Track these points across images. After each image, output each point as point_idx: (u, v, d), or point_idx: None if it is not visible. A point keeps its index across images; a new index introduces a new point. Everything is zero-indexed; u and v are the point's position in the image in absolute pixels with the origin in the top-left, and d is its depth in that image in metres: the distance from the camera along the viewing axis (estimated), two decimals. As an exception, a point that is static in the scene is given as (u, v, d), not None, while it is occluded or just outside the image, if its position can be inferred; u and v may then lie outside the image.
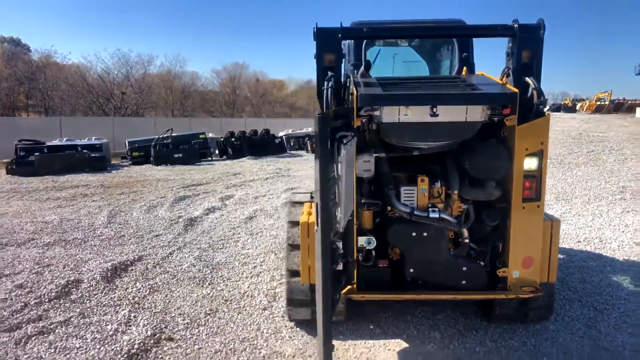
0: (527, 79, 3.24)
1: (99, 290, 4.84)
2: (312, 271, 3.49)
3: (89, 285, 4.94)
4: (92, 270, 5.37)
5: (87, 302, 4.57)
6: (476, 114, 3.14)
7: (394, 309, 4.21)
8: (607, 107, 46.58)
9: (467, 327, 3.95)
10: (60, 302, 4.55)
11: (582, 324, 4.01)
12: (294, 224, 4.04)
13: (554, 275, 3.44)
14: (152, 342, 3.78)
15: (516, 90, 3.13)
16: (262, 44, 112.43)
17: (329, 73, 3.37)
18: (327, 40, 3.37)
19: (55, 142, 17.42)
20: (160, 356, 3.61)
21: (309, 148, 20.25)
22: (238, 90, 73.44)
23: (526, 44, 3.28)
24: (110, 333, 3.92)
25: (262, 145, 19.57)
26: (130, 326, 4.05)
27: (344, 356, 3.60)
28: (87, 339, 3.85)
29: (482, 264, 3.41)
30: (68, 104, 42.06)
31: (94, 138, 18.63)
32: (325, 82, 3.34)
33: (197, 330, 4.00)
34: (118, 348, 3.66)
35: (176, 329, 4.01)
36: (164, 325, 4.06)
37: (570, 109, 49.05)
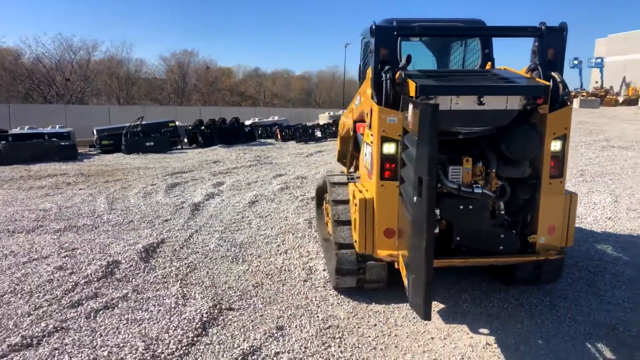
0: (553, 73, 3.80)
1: (140, 269, 5.07)
2: (368, 241, 3.94)
3: (128, 265, 5.15)
4: (123, 253, 5.57)
5: (134, 280, 4.80)
6: (514, 103, 3.68)
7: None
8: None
9: (490, 290, 4.54)
10: (108, 280, 4.77)
11: (584, 284, 4.69)
12: (338, 202, 4.47)
13: (571, 241, 4.06)
14: (216, 311, 4.12)
15: (548, 83, 3.69)
16: (212, 31, 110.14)
17: (386, 66, 3.80)
18: (383, 37, 3.79)
19: (17, 130, 16.78)
20: (228, 323, 3.95)
21: (279, 136, 20.52)
22: (187, 77, 72.05)
23: (552, 43, 3.84)
24: (173, 305, 4.22)
25: (233, 134, 19.64)
26: (188, 299, 4.36)
27: (392, 316, 4.08)
28: (152, 311, 4.13)
29: (514, 232, 3.98)
30: (5, 90, 39.83)
31: (57, 126, 18.03)
32: (384, 74, 3.77)
33: (251, 301, 4.36)
34: (189, 317, 3.97)
35: (232, 300, 4.36)
36: (219, 298, 4.39)
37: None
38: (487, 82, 3.80)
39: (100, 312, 4.10)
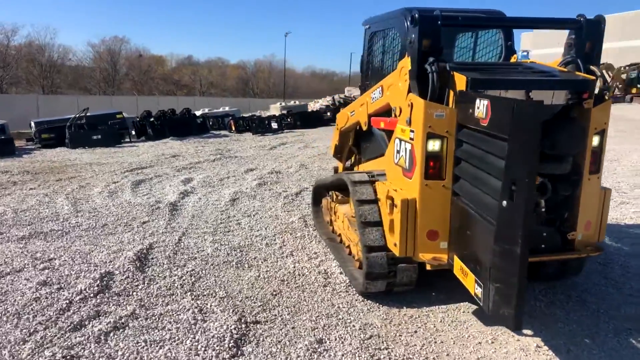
0: (593, 67, 3.73)
1: (138, 280, 4.56)
2: (410, 244, 3.71)
3: (124, 277, 4.62)
4: (111, 262, 5.01)
5: (135, 293, 4.30)
6: (560, 97, 3.57)
7: (447, 277, 4.59)
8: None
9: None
10: (107, 295, 4.24)
11: (599, 276, 4.74)
12: (364, 202, 4.20)
13: (603, 235, 4.04)
14: (243, 326, 3.74)
15: (593, 78, 3.61)
16: (143, 18, 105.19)
17: (430, 58, 3.57)
18: (428, 27, 3.55)
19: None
20: (261, 338, 3.60)
21: (234, 128, 19.83)
22: (118, 66, 68.81)
23: (590, 36, 3.76)
24: (191, 321, 3.80)
25: (185, 126, 18.75)
26: (206, 313, 3.94)
27: (429, 321, 3.89)
28: (170, 329, 3.69)
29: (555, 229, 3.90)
30: None
31: (-12, 118, 16.39)
32: (429, 67, 3.54)
33: (276, 311, 4.02)
34: (218, 335, 3.57)
35: (255, 312, 4.00)
36: (240, 310, 4.01)
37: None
38: (535, 77, 3.66)
39: (111, 334, 3.60)
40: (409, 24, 3.68)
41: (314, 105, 28.63)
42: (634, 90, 32.00)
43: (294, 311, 4.04)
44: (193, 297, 4.25)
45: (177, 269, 4.89)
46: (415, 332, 3.75)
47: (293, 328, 3.76)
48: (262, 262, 5.09)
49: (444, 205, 3.59)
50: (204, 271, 4.84)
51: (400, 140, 3.91)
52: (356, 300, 4.25)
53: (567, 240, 3.85)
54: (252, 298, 4.25)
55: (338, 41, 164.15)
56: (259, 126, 19.39)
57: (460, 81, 3.44)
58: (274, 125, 20.02)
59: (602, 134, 3.77)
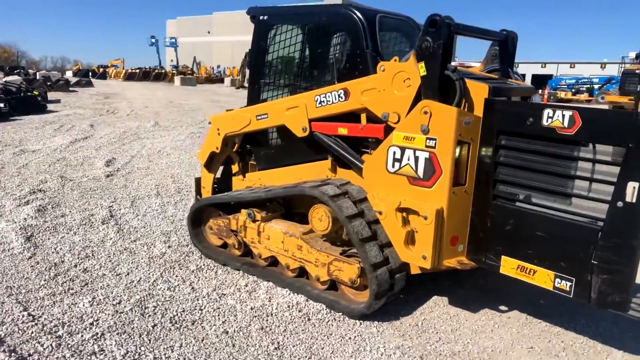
0: (517, 75, 4.54)
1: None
2: (441, 254, 3.67)
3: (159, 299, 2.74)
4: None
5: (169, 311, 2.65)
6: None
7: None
8: (138, 75, 50.30)
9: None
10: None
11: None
12: (352, 217, 3.87)
13: None
14: None
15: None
16: None
17: (450, 65, 3.54)
18: (448, 33, 3.49)
19: None
20: None
21: None
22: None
23: (512, 49, 4.48)
24: None
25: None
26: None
27: (450, 316, 3.99)
28: None
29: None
30: None
31: None
32: (453, 74, 3.52)
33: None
34: None
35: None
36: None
37: (102, 76, 50.03)
38: (524, 86, 4.15)
39: None
40: (428, 27, 3.51)
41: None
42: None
43: (307, 355, 3.39)
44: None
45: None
46: (455, 330, 3.82)
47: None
48: (203, 317, 3.89)
49: (465, 210, 3.72)
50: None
51: (403, 148, 3.74)
52: (356, 324, 3.89)
53: None
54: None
55: None
56: None
57: (481, 89, 3.59)
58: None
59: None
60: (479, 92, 3.62)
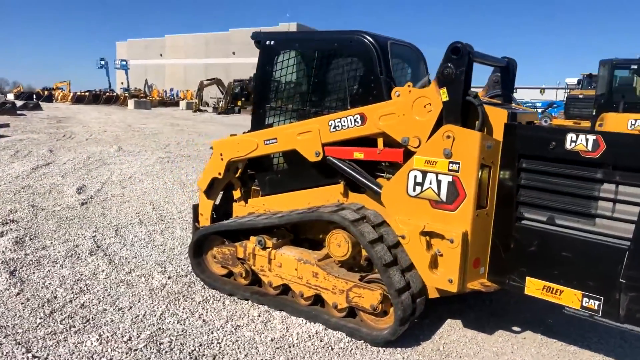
0: (518, 100, 4.71)
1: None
2: (465, 277, 3.69)
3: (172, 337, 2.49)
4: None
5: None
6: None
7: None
8: (88, 97, 48.61)
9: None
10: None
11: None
12: (374, 242, 3.85)
13: None
14: None
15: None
16: None
17: (471, 92, 3.63)
18: (469, 60, 3.60)
19: None
20: None
21: None
22: None
23: (513, 75, 4.70)
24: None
25: None
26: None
27: (470, 337, 4.00)
28: None
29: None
30: None
31: None
32: (474, 100, 3.61)
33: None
34: None
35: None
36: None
37: (47, 99, 48.03)
38: (520, 110, 4.29)
39: None
40: (451, 55, 3.60)
41: None
42: (239, 103, 37.56)
43: (361, 391, 3.30)
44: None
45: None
46: (477, 353, 3.82)
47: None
48: (223, 351, 3.70)
49: (486, 232, 3.78)
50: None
51: (425, 172, 3.77)
52: (379, 352, 3.84)
53: None
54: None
55: None
56: None
57: (500, 115, 3.70)
58: None
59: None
60: (498, 117, 3.73)
